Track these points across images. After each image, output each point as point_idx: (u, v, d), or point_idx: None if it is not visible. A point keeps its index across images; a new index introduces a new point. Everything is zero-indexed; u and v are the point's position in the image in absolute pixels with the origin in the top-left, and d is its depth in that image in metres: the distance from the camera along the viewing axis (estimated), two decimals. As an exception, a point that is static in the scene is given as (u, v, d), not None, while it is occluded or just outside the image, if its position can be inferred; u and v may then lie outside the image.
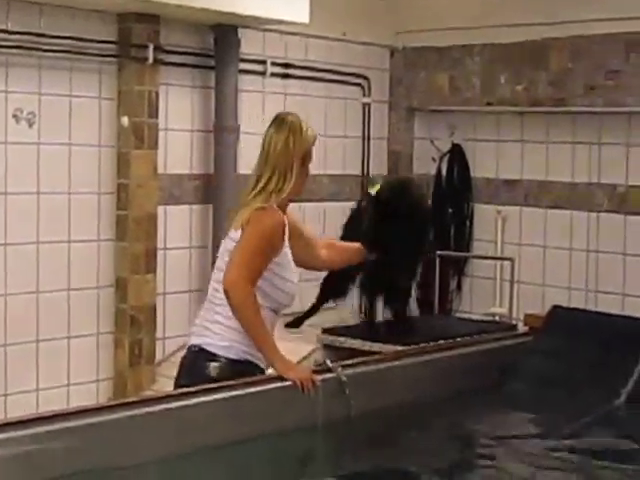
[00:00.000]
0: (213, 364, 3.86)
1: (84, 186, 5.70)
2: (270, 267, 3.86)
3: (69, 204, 5.62)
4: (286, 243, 3.93)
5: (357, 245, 4.47)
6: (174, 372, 4.03)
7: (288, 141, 3.90)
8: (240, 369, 3.85)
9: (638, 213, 6.30)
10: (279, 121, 3.97)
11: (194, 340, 3.95)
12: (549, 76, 6.52)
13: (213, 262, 6.10)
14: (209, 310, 3.94)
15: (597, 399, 4.67)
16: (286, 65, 6.59)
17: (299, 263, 4.10)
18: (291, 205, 4.02)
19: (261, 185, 3.91)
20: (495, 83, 6.76)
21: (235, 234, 3.88)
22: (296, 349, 5.55)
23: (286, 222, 3.92)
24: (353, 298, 5.42)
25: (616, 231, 6.38)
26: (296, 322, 5.46)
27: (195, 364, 3.90)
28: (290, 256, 3.96)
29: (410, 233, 4.77)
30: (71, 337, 5.65)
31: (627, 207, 6.35)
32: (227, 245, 3.93)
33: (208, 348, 3.88)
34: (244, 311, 3.80)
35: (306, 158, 3.95)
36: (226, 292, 3.78)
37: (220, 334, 3.87)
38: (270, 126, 3.97)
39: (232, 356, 3.86)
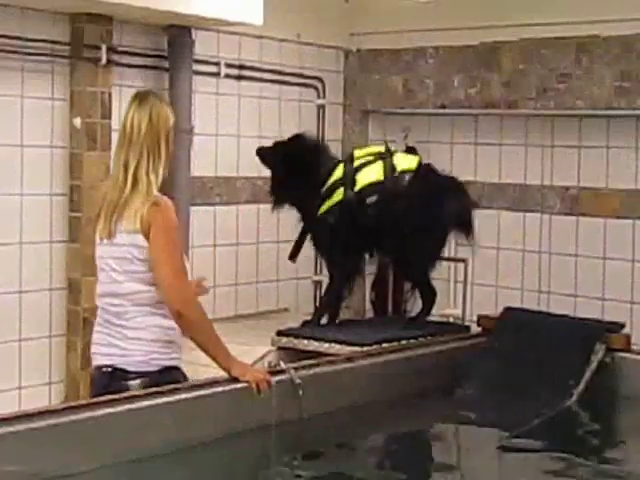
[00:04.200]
0: (134, 382, 3.69)
1: (36, 187, 5.65)
2: None
3: (21, 205, 5.57)
4: None
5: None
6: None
7: (152, 117, 3.70)
8: (164, 380, 3.71)
9: (590, 215, 6.35)
10: (138, 98, 3.76)
11: (103, 360, 3.76)
12: (502, 79, 6.56)
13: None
14: (114, 327, 3.75)
15: (549, 399, 4.71)
16: (240, 66, 6.57)
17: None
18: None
19: (132, 173, 3.68)
20: (449, 85, 6.79)
21: (132, 238, 3.67)
22: (250, 351, 5.54)
23: None
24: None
25: (568, 233, 6.43)
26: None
27: (110, 385, 3.71)
28: None
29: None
30: (22, 340, 5.60)
31: (579, 209, 6.40)
32: (128, 253, 3.69)
33: (123, 367, 3.71)
34: (203, 326, 3.72)
35: (170, 134, 3.76)
36: (179, 311, 3.64)
37: (134, 349, 3.70)
38: (129, 106, 3.75)
39: (152, 369, 3.73)
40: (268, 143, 5.93)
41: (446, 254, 5.87)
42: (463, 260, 6.19)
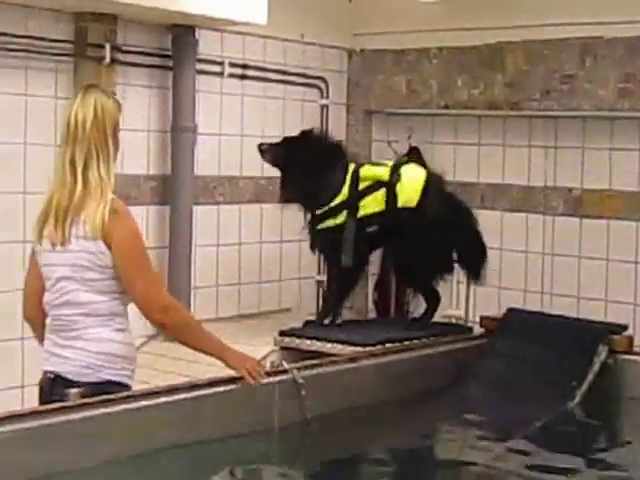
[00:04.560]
0: (72, 391, 3.58)
1: (39, 186, 5.62)
2: None
3: (24, 203, 5.57)
4: None
5: None
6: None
7: (97, 112, 3.54)
8: (103, 392, 3.58)
9: (593, 216, 6.35)
10: (81, 94, 3.59)
11: (48, 366, 3.65)
12: (505, 80, 6.56)
13: (170, 263, 6.14)
14: (62, 334, 3.60)
15: (552, 401, 4.71)
16: (244, 66, 6.57)
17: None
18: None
19: (81, 172, 3.51)
20: (452, 86, 6.79)
21: (91, 244, 3.50)
22: (253, 351, 5.54)
23: None
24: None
25: (571, 234, 6.43)
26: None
27: (52, 392, 3.61)
28: None
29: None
30: (25, 338, 5.60)
31: (582, 210, 6.40)
32: (84, 261, 3.52)
33: (65, 375, 3.58)
34: (190, 329, 3.65)
35: (117, 128, 3.63)
36: (162, 323, 3.58)
37: (77, 359, 3.57)
38: (72, 103, 3.59)
39: (92, 380, 3.58)
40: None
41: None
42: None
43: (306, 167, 5.60)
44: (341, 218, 5.55)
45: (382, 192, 5.58)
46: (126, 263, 3.51)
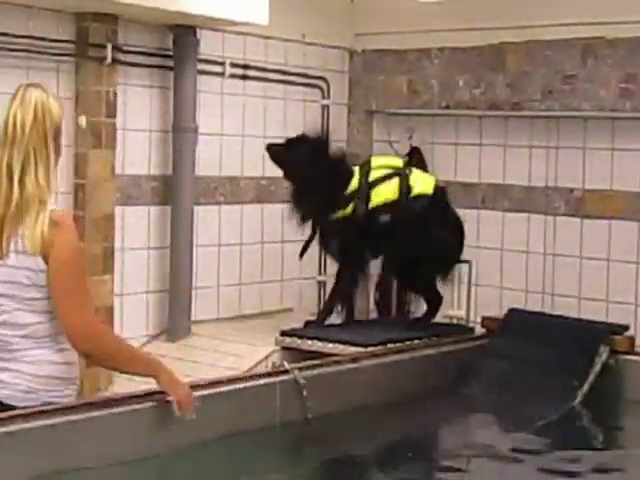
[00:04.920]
0: None
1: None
2: None
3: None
4: None
5: None
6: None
7: (37, 113, 3.27)
8: None
9: (594, 217, 6.34)
10: (21, 93, 3.32)
11: None
12: (506, 80, 6.55)
13: (171, 263, 6.13)
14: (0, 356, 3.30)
15: (553, 401, 4.71)
16: (245, 66, 6.57)
17: None
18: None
19: (17, 179, 3.20)
20: (453, 86, 6.78)
21: (35, 261, 3.21)
22: (254, 351, 5.54)
23: None
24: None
25: (572, 234, 6.42)
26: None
27: None
28: None
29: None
30: (27, 338, 5.60)
31: (583, 211, 6.39)
32: (21, 277, 3.22)
33: (5, 401, 3.28)
34: (122, 354, 3.37)
35: (59, 132, 3.34)
36: (86, 342, 3.24)
37: (17, 383, 3.28)
38: (11, 101, 3.31)
39: (35, 404, 3.30)
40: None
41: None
42: (467, 261, 6.19)
43: (315, 184, 5.57)
44: (352, 208, 5.54)
45: (395, 180, 5.58)
46: (56, 278, 3.20)
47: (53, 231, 3.21)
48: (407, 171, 5.63)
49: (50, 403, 3.33)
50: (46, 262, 3.22)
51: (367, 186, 5.55)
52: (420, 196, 5.58)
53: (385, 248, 5.74)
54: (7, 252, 3.23)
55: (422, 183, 5.62)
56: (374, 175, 5.58)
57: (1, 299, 3.29)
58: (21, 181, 3.22)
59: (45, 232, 3.20)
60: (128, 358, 3.42)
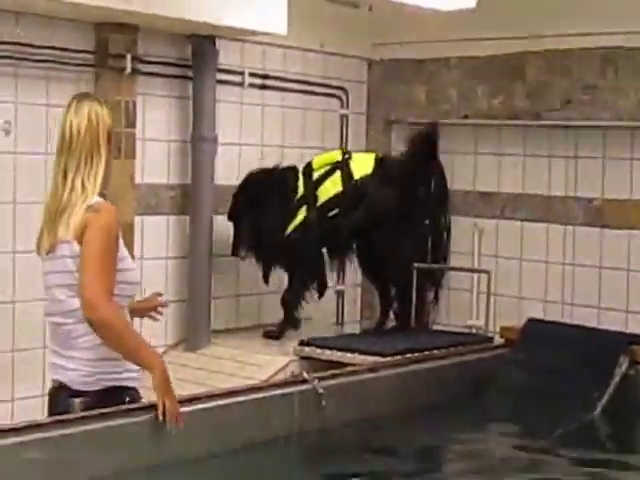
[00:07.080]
0: (77, 400, 3.53)
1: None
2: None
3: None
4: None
5: None
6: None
7: (91, 118, 3.53)
8: (107, 400, 3.54)
9: (613, 226, 6.32)
10: (75, 103, 3.57)
11: (54, 375, 3.60)
12: (526, 89, 6.55)
13: (190, 273, 6.15)
14: (62, 344, 3.55)
15: (573, 411, 4.69)
16: (264, 76, 6.58)
17: None
18: None
19: (71, 178, 3.49)
20: (472, 96, 6.78)
21: (71, 247, 3.45)
22: (273, 360, 5.54)
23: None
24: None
25: (592, 244, 6.40)
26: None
27: (59, 399, 3.57)
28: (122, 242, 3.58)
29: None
30: (47, 347, 5.61)
31: (603, 221, 6.37)
32: (66, 266, 3.46)
33: (68, 384, 3.53)
34: (113, 329, 3.40)
35: (111, 135, 3.58)
36: (88, 310, 3.36)
37: (78, 369, 3.50)
38: (65, 112, 3.57)
39: (95, 388, 3.51)
40: (291, 153, 5.96)
41: (469, 265, 5.88)
42: (487, 271, 6.18)
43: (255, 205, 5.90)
44: (302, 214, 5.74)
45: (337, 174, 5.76)
46: (83, 251, 3.40)
47: (90, 216, 3.42)
48: (348, 159, 5.79)
49: (111, 387, 3.50)
50: (81, 245, 3.42)
51: (313, 187, 5.69)
52: (362, 178, 5.77)
53: (356, 245, 5.95)
54: (55, 244, 3.48)
55: (361, 165, 5.82)
56: (317, 175, 5.75)
57: (55, 289, 3.51)
58: (73, 182, 3.48)
59: (81, 218, 3.42)
60: (131, 340, 3.49)
